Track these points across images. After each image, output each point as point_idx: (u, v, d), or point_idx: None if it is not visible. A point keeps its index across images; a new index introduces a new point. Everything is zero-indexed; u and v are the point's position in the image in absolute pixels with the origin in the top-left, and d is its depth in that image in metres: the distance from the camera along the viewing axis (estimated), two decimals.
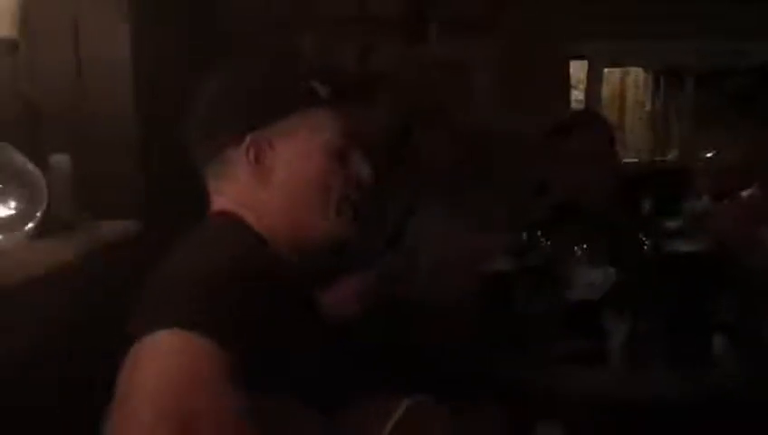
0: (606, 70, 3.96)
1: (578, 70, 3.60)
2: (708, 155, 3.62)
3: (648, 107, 4.76)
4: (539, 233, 2.06)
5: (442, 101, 3.02)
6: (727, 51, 3.40)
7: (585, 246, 1.93)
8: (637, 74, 4.84)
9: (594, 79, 3.36)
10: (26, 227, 1.41)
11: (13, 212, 1.39)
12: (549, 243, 2.03)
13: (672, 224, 1.88)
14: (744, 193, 3.38)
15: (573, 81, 3.66)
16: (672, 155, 3.58)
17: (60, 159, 1.58)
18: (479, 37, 3.12)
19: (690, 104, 3.54)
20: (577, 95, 3.67)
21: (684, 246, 1.86)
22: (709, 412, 1.79)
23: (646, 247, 1.89)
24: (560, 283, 1.99)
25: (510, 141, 2.99)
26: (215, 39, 2.14)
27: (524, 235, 2.11)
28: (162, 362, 0.89)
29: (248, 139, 1.13)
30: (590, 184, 2.33)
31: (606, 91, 4.39)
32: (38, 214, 1.41)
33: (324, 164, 1.16)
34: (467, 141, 2.72)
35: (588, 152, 2.36)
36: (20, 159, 1.38)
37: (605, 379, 1.93)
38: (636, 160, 3.94)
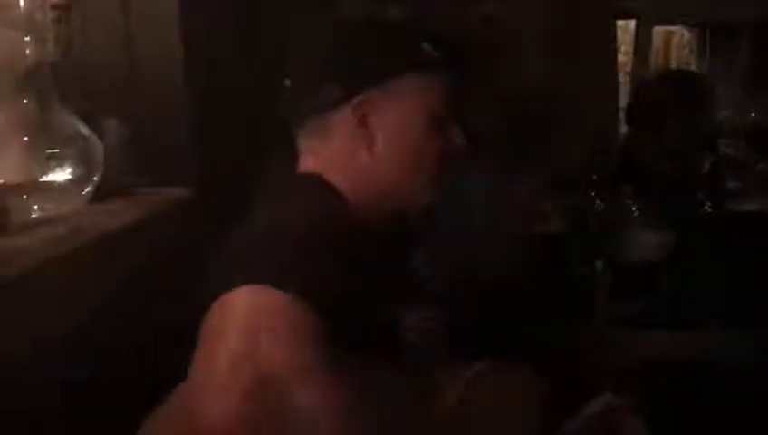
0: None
1: (621, 31, 3.51)
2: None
3: (693, 68, 4.67)
4: (593, 193, 2.02)
5: (489, 59, 2.97)
6: None
7: (640, 207, 1.89)
8: (682, 34, 4.74)
9: (643, 38, 3.28)
10: (83, 193, 1.40)
11: (69, 177, 1.38)
12: (604, 204, 2.00)
13: (734, 184, 1.83)
14: None
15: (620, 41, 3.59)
16: (723, 115, 3.49)
17: (114, 125, 1.57)
18: None
19: (745, 61, 3.44)
20: (620, 57, 3.59)
21: (746, 206, 1.81)
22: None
23: (706, 208, 1.85)
24: (615, 245, 1.96)
25: (560, 101, 2.94)
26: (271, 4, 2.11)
27: (578, 196, 2.09)
28: (248, 317, 0.89)
29: (355, 100, 1.11)
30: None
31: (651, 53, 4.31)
32: (95, 179, 1.40)
33: (427, 130, 1.15)
34: (519, 101, 2.68)
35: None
36: (74, 124, 1.37)
37: (663, 340, 1.90)
38: None
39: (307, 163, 1.16)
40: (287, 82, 1.17)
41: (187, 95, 1.72)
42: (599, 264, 2.00)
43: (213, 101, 1.80)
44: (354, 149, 1.12)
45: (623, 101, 3.40)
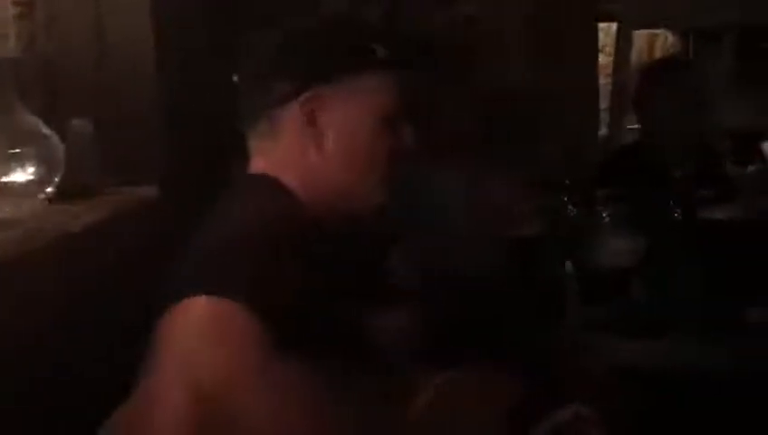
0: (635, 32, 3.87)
1: (603, 34, 3.51)
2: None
3: None
4: (566, 198, 2.02)
5: (470, 59, 2.97)
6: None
7: (612, 212, 1.89)
8: (666, 37, 4.75)
9: (624, 41, 3.28)
10: (44, 193, 1.38)
11: (31, 177, 1.36)
12: (576, 209, 1.99)
13: (706, 191, 1.83)
14: None
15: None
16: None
17: (79, 124, 1.55)
18: None
19: (727, 65, 3.44)
20: (602, 59, 3.59)
21: (719, 213, 1.81)
22: (742, 383, 1.75)
23: (677, 215, 1.85)
24: (587, 249, 1.95)
25: (539, 102, 2.94)
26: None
27: (551, 200, 2.08)
28: (195, 329, 0.89)
29: (303, 97, 1.10)
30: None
31: (633, 55, 4.31)
32: (56, 179, 1.38)
33: (377, 129, 1.14)
34: (497, 101, 2.67)
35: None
36: (35, 122, 1.35)
37: (635, 348, 1.90)
38: None
39: (258, 164, 1.15)
40: (235, 79, 1.16)
41: (156, 94, 1.70)
42: (569, 268, 2.00)
43: (182, 98, 1.79)
44: (304, 147, 1.11)
45: (603, 103, 3.41)
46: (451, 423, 1.04)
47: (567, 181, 2.06)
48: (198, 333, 0.89)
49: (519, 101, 2.73)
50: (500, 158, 2.53)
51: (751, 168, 2.95)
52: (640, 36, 4.58)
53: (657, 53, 4.68)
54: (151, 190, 1.67)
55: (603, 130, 3.31)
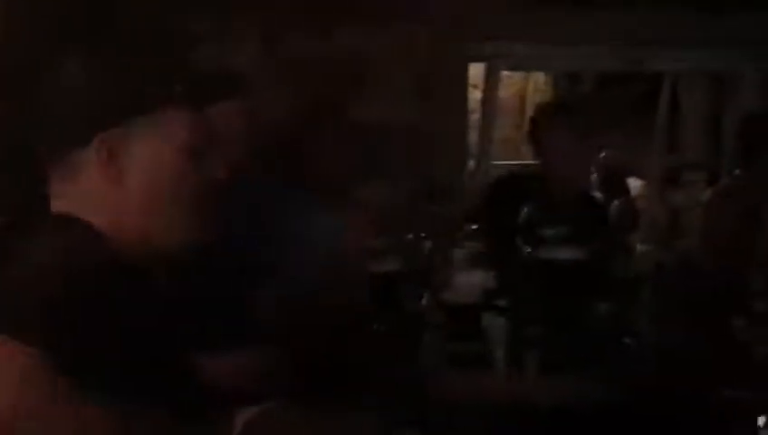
0: (508, 72, 4.00)
1: (480, 71, 3.61)
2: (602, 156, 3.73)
3: None
4: (422, 235, 2.05)
5: (339, 95, 3.00)
6: (624, 58, 3.48)
7: (465, 249, 1.93)
8: (537, 78, 4.94)
9: (491, 81, 3.38)
10: None
11: None
12: (431, 245, 2.03)
13: (551, 231, 1.90)
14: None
15: (476, 82, 3.69)
16: None
17: None
18: (379, 31, 3.10)
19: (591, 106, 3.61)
20: (478, 95, 3.68)
21: (563, 254, 1.88)
22: (579, 419, 1.81)
23: (525, 253, 1.90)
24: (440, 285, 1.98)
25: (407, 139, 2.99)
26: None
27: (409, 236, 2.11)
28: None
29: (100, 137, 1.08)
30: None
31: (508, 92, 4.47)
32: None
33: (178, 163, 1.12)
34: (364, 138, 2.70)
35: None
36: None
37: (485, 383, 1.93)
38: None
39: (59, 205, 1.11)
40: (34, 123, 1.13)
41: None
42: (426, 303, 2.03)
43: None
44: (104, 187, 1.09)
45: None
46: None
47: (425, 217, 2.08)
48: None
49: (386, 135, 2.77)
50: (360, 192, 2.56)
51: (615, 202, 3.10)
52: (516, 76, 4.75)
53: (530, 94, 4.87)
54: None
55: (471, 165, 3.39)
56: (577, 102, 3.36)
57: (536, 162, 2.62)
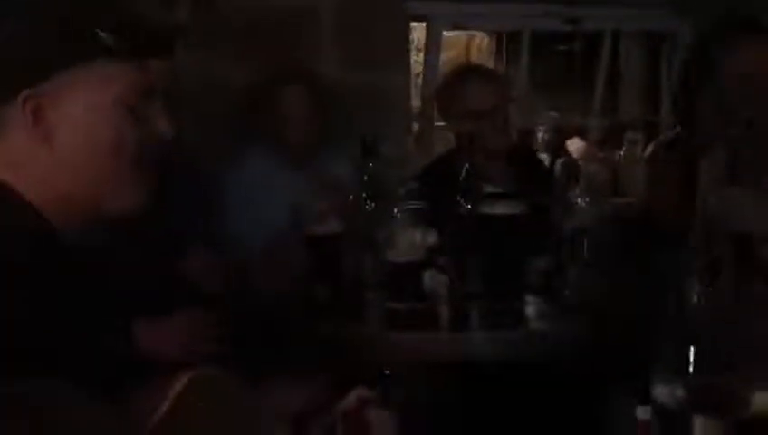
0: (450, 33, 3.97)
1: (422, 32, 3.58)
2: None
3: None
4: (364, 195, 2.04)
5: (292, 55, 2.95)
6: (563, 16, 3.48)
7: (405, 207, 1.93)
8: (481, 39, 4.91)
9: (433, 41, 3.36)
10: None
11: None
12: (373, 205, 2.02)
13: (491, 187, 1.90)
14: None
15: (420, 44, 3.66)
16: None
17: None
18: None
19: (526, 69, 3.62)
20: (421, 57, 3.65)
21: (500, 209, 1.89)
22: (521, 373, 1.84)
23: (464, 210, 1.91)
24: (382, 244, 1.98)
25: (348, 98, 2.97)
26: None
27: (351, 197, 2.10)
28: None
29: (24, 94, 1.01)
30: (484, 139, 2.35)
31: (451, 54, 4.43)
32: None
33: (115, 121, 1.05)
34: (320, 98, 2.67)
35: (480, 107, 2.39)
36: None
37: (427, 339, 1.94)
38: None
39: None
40: None
41: None
42: (367, 263, 2.03)
43: None
44: (30, 146, 1.02)
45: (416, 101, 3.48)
46: (197, 420, 1.00)
47: (365, 178, 2.08)
48: None
49: (330, 97, 2.74)
50: (299, 154, 2.54)
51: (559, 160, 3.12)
52: (458, 38, 4.72)
53: (474, 54, 4.84)
54: None
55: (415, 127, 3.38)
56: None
57: None
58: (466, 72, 2.63)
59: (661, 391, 1.16)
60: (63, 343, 0.93)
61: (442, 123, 2.88)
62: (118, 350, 1.09)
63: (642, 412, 1.21)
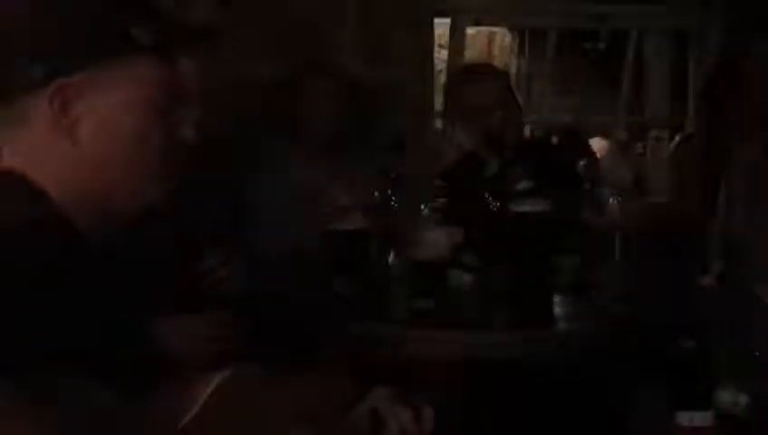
0: (472, 31, 3.94)
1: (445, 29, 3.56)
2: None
3: (513, 70, 4.82)
4: (389, 192, 2.02)
5: (316, 54, 2.95)
6: (588, 13, 3.45)
7: (432, 205, 1.91)
8: (502, 37, 4.89)
9: (457, 37, 3.33)
10: None
11: None
12: (398, 202, 2.00)
13: (520, 185, 1.88)
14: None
15: (442, 41, 3.64)
16: (530, 119, 3.62)
17: None
18: None
19: (552, 66, 3.59)
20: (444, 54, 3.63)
21: (528, 206, 1.86)
22: (549, 373, 1.81)
23: (493, 208, 1.89)
24: (408, 242, 1.96)
25: (373, 96, 2.95)
26: None
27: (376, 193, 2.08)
28: None
29: (54, 85, 0.98)
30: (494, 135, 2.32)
31: (473, 53, 4.41)
32: None
33: (143, 121, 1.04)
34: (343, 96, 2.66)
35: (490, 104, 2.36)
36: None
37: (455, 338, 1.92)
38: None
39: (4, 157, 1.02)
40: None
41: None
42: (393, 261, 2.01)
43: None
44: (55, 139, 1.00)
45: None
46: (227, 423, 0.98)
47: (391, 175, 2.06)
48: None
49: (354, 95, 2.73)
50: (324, 152, 2.53)
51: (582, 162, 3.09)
52: (481, 34, 4.70)
53: (496, 53, 4.82)
54: None
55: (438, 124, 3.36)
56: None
57: None
58: (466, 71, 2.62)
59: (723, 398, 1.13)
60: (86, 340, 0.91)
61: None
62: (143, 349, 1.08)
63: (701, 419, 1.16)
